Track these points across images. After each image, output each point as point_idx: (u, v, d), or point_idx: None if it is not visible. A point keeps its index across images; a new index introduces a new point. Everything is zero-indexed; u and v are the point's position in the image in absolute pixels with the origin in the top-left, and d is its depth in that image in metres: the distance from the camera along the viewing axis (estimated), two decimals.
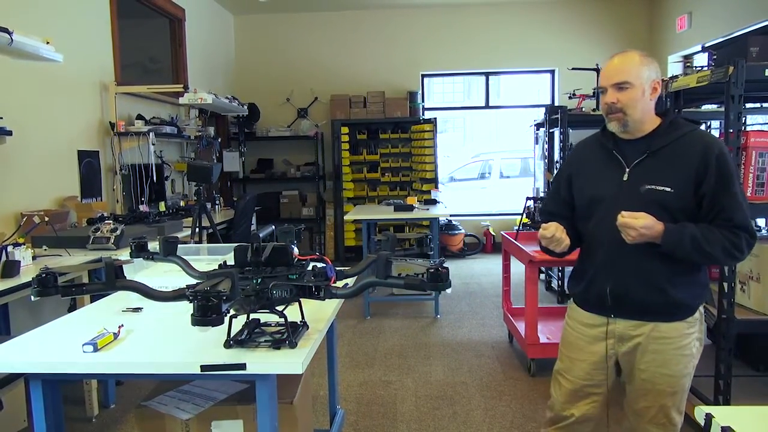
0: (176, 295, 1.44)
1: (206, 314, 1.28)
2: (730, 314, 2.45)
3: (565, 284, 3.96)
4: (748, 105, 3.26)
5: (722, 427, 1.09)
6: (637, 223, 1.65)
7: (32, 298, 1.49)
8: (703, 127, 4.94)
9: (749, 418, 1.17)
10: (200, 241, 4.28)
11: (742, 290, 2.59)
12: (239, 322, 1.57)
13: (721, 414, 1.14)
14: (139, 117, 4.72)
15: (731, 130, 2.37)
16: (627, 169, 1.78)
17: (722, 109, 2.51)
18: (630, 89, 1.72)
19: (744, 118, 2.58)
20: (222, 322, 1.32)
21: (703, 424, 1.15)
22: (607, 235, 1.76)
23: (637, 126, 1.77)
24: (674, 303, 1.76)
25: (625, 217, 1.67)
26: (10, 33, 2.66)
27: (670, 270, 1.74)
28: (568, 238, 1.81)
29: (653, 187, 1.72)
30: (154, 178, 4.64)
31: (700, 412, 1.16)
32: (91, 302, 2.23)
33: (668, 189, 1.70)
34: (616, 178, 1.79)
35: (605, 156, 1.84)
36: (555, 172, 5.45)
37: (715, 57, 2.90)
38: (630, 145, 1.80)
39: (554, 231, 1.79)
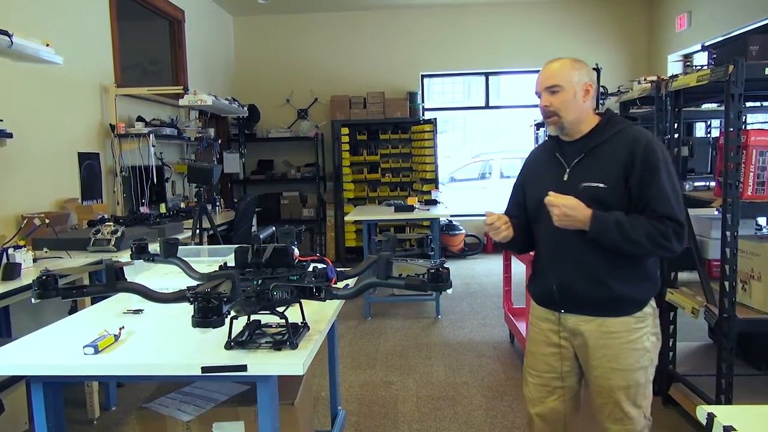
0: (177, 297, 1.44)
1: (207, 315, 1.28)
2: (732, 313, 2.45)
3: None
4: (748, 104, 3.25)
5: (724, 427, 1.09)
6: (558, 201, 1.71)
7: (33, 300, 1.49)
8: (702, 126, 4.92)
9: (751, 418, 1.17)
10: (201, 243, 4.28)
11: (743, 289, 2.58)
12: (240, 324, 1.57)
13: (723, 413, 1.14)
14: (140, 119, 4.72)
15: (731, 129, 2.37)
16: (567, 170, 1.84)
17: (722, 108, 2.51)
18: (561, 92, 1.79)
19: (744, 117, 2.57)
20: (223, 324, 1.32)
21: (705, 423, 1.14)
22: (551, 235, 1.82)
23: (574, 127, 1.83)
24: (617, 297, 1.79)
25: (551, 197, 1.73)
26: (10, 35, 2.66)
27: (609, 263, 1.78)
28: (513, 231, 1.87)
29: (589, 184, 1.78)
30: (155, 180, 4.63)
31: (702, 411, 1.16)
32: (92, 304, 2.23)
33: (602, 185, 1.76)
34: (558, 179, 1.85)
35: (550, 159, 1.91)
36: None
37: (714, 56, 2.90)
38: (571, 146, 1.86)
39: (494, 220, 1.86)
